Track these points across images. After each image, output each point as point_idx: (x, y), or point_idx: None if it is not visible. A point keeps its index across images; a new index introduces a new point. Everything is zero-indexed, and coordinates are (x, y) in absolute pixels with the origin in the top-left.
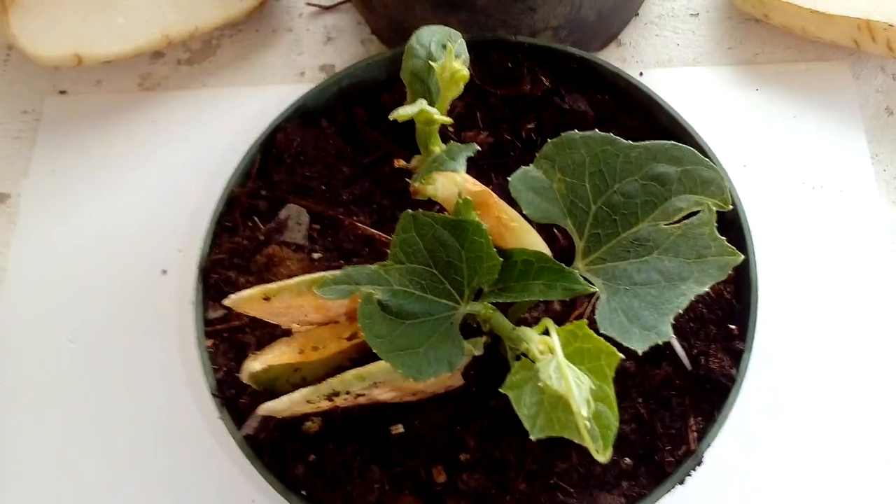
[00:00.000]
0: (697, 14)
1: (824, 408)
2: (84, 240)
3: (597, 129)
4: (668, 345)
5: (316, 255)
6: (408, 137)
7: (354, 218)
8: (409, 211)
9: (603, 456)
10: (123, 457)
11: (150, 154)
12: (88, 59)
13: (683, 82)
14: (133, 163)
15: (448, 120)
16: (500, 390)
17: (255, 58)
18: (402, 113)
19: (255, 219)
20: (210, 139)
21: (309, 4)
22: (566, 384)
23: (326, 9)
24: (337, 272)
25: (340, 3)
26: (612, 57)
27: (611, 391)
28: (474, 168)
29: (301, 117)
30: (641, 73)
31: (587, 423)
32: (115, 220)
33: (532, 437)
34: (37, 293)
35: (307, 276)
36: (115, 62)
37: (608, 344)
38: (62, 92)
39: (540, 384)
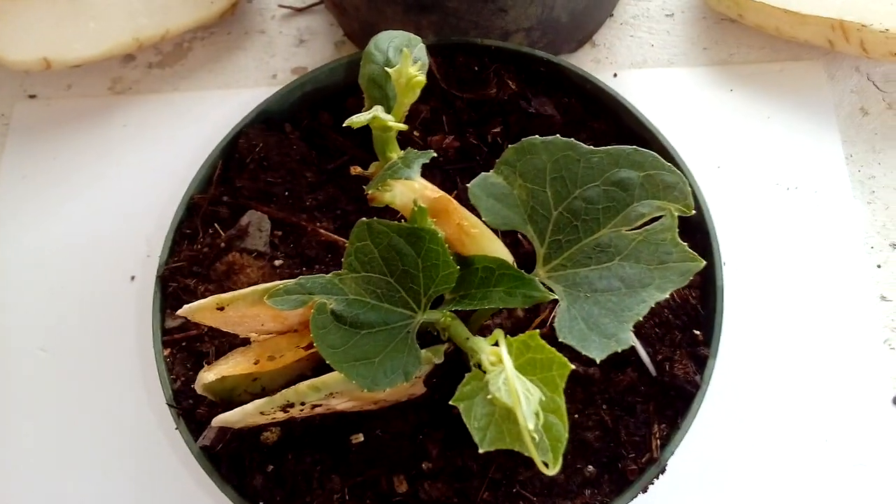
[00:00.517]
0: (672, 14)
1: (797, 412)
2: (54, 245)
3: (559, 135)
4: (633, 350)
5: (277, 263)
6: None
7: (318, 224)
8: (364, 219)
9: (552, 469)
10: (83, 466)
11: (122, 159)
12: (58, 64)
13: (658, 83)
14: (104, 167)
15: (403, 126)
16: (451, 402)
17: (226, 60)
18: (356, 120)
19: (216, 226)
20: (182, 143)
21: (281, 6)
22: (514, 397)
23: (299, 11)
24: (290, 281)
25: (313, 4)
26: (587, 58)
27: (562, 402)
28: (440, 172)
29: (264, 122)
30: (616, 74)
31: (535, 436)
32: (85, 226)
33: (480, 450)
34: (7, 300)
35: (261, 286)
36: (86, 66)
37: (560, 354)
38: (32, 96)
39: (490, 397)
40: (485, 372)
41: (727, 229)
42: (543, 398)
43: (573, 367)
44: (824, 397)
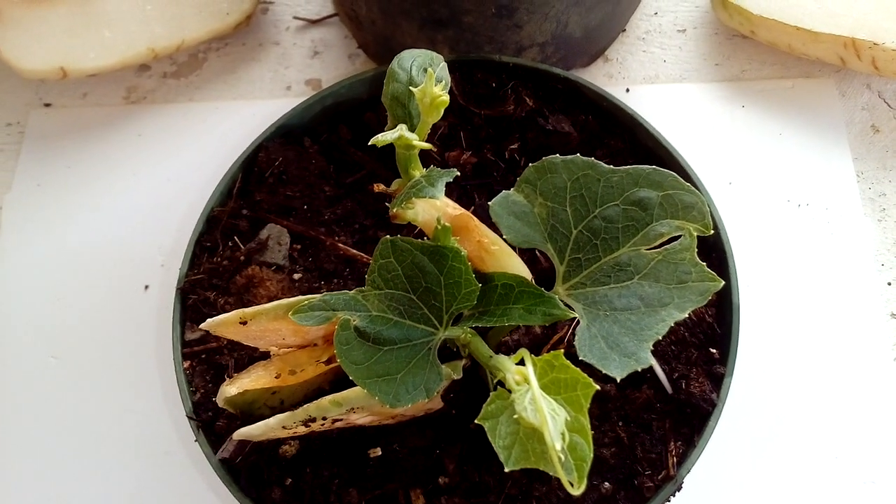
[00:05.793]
0: (685, 30)
1: (807, 429)
2: (68, 254)
3: (579, 153)
4: (649, 368)
5: (296, 276)
6: (391, 157)
7: (336, 238)
8: (388, 237)
9: (577, 489)
10: (100, 476)
11: (136, 168)
12: (74, 73)
13: (670, 98)
14: (118, 177)
15: (427, 146)
16: (476, 421)
17: (241, 71)
18: (382, 139)
19: (236, 238)
20: (196, 154)
21: (296, 18)
22: (541, 416)
23: (314, 23)
24: (314, 297)
25: (328, 17)
26: (599, 73)
27: (586, 422)
28: (457, 189)
29: (283, 136)
30: (628, 90)
31: (561, 455)
32: (99, 235)
33: (506, 469)
34: (20, 308)
35: (284, 301)
36: (101, 75)
37: (584, 374)
38: (47, 105)
39: (515, 416)
40: (509, 391)
41: (738, 245)
42: (569, 418)
43: (597, 387)
44: (834, 414)
